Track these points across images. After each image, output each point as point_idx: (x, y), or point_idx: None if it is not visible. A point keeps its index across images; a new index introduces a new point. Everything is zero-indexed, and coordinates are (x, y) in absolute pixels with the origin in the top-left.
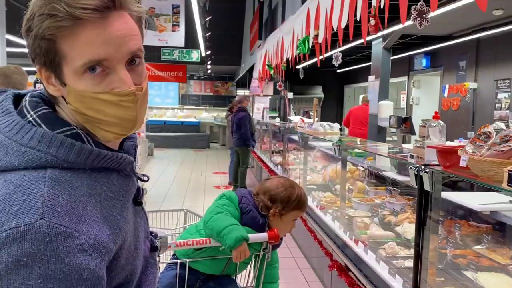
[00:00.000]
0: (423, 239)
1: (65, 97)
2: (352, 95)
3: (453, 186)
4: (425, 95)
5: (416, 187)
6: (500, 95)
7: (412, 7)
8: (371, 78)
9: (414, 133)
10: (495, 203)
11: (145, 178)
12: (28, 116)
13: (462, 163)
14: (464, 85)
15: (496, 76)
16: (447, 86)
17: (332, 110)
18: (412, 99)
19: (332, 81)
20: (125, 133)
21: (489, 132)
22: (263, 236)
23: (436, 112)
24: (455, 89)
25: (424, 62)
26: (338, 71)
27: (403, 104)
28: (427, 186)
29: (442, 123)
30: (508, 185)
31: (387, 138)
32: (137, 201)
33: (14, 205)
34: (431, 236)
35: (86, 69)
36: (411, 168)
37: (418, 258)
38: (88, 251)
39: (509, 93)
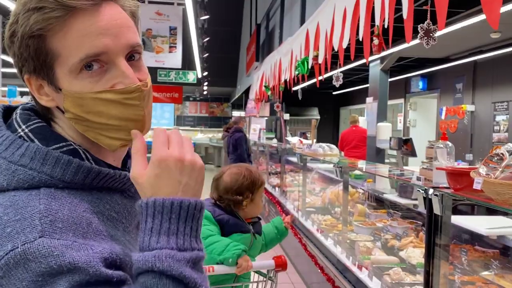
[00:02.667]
0: (433, 266)
1: (60, 106)
2: (348, 117)
3: (454, 209)
4: (422, 117)
5: (425, 210)
6: (498, 118)
7: (419, 26)
8: (369, 99)
9: (415, 155)
10: (501, 227)
11: None
12: (19, 130)
13: (476, 186)
14: (462, 108)
15: (494, 98)
16: (444, 109)
17: (328, 132)
18: (409, 121)
19: (328, 103)
20: (131, 139)
21: (502, 154)
22: (269, 264)
23: (444, 133)
24: (452, 111)
25: (420, 84)
26: (334, 93)
27: (399, 126)
28: (437, 210)
29: (450, 144)
30: None
31: (385, 160)
32: None
33: (6, 227)
34: (441, 262)
35: (83, 66)
36: (419, 191)
37: (428, 286)
38: (107, 260)
39: (507, 116)
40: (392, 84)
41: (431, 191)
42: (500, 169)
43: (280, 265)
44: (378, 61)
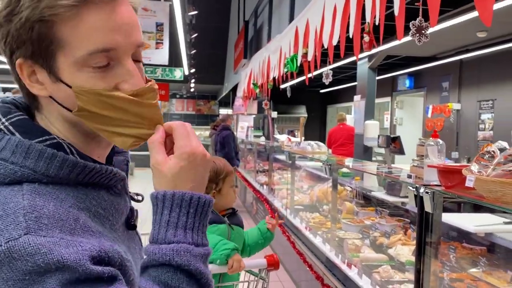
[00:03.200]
0: (424, 264)
1: (55, 96)
2: (335, 115)
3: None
4: (408, 115)
5: (415, 208)
6: (483, 116)
7: (411, 23)
8: (356, 97)
9: (403, 153)
10: (489, 224)
11: (140, 198)
12: None
13: (468, 184)
14: (448, 106)
15: (480, 97)
16: (430, 107)
17: (315, 130)
18: (395, 119)
19: (315, 101)
20: (145, 138)
21: (493, 151)
22: (261, 263)
23: (435, 131)
24: (438, 109)
25: (407, 82)
26: (321, 91)
27: (386, 124)
28: (428, 208)
29: (441, 142)
30: None
31: (372, 158)
32: (130, 224)
33: None
34: (432, 260)
35: (89, 60)
36: (410, 188)
37: (419, 284)
38: (97, 257)
39: (493, 114)
40: (379, 83)
41: (422, 188)
42: (492, 167)
43: (273, 264)
44: (366, 59)
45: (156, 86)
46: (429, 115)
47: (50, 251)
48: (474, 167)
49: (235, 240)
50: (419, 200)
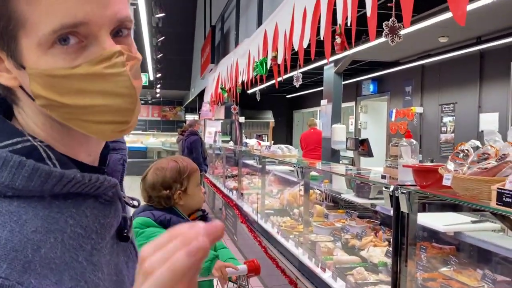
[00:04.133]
0: (400, 265)
1: (25, 87)
2: (301, 120)
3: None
4: (372, 119)
5: (390, 209)
6: (445, 119)
7: (383, 23)
8: (323, 102)
9: (372, 155)
10: (458, 223)
11: (135, 203)
12: None
13: (446, 182)
14: (411, 110)
15: (441, 100)
16: (394, 111)
17: (282, 134)
18: (360, 123)
19: (282, 106)
20: (126, 119)
21: (467, 150)
22: (241, 269)
23: (408, 131)
24: (402, 113)
25: (371, 87)
26: (287, 96)
27: (351, 128)
28: (404, 208)
29: (414, 142)
30: (497, 204)
31: (340, 161)
32: (123, 235)
33: None
34: (409, 261)
35: (56, 39)
36: (385, 189)
37: (396, 286)
38: None
39: (454, 117)
40: (343, 88)
41: (398, 189)
42: (467, 165)
43: (253, 270)
44: (332, 64)
45: (132, 54)
46: (393, 119)
47: None
48: (450, 165)
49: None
50: (394, 200)
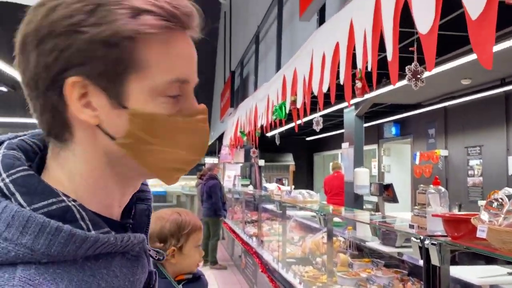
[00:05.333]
0: None
1: (106, 125)
2: (322, 163)
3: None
4: (396, 162)
5: (420, 261)
6: (471, 162)
7: (406, 67)
8: (344, 145)
9: (397, 201)
10: (494, 275)
11: (160, 257)
12: None
13: (480, 234)
14: (435, 153)
15: (466, 143)
16: (418, 154)
17: (302, 177)
18: (383, 166)
19: (302, 149)
20: (188, 169)
21: (501, 199)
22: None
23: (436, 178)
24: (426, 156)
25: (393, 130)
26: (307, 139)
27: (374, 171)
28: (434, 260)
29: (443, 189)
30: None
31: (363, 206)
32: None
33: None
34: None
35: (167, 89)
36: (414, 240)
37: None
38: None
39: (481, 160)
40: (365, 130)
41: (427, 240)
42: (503, 216)
43: None
44: (353, 107)
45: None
46: (417, 162)
47: None
48: (484, 216)
49: None
50: (424, 252)
